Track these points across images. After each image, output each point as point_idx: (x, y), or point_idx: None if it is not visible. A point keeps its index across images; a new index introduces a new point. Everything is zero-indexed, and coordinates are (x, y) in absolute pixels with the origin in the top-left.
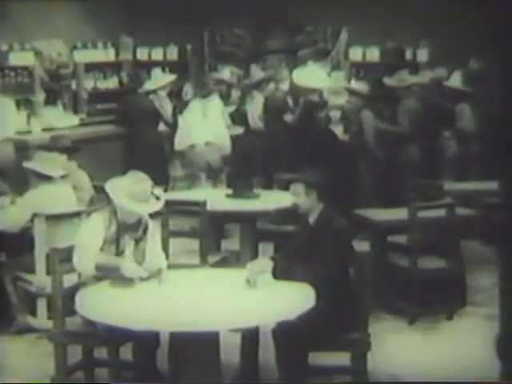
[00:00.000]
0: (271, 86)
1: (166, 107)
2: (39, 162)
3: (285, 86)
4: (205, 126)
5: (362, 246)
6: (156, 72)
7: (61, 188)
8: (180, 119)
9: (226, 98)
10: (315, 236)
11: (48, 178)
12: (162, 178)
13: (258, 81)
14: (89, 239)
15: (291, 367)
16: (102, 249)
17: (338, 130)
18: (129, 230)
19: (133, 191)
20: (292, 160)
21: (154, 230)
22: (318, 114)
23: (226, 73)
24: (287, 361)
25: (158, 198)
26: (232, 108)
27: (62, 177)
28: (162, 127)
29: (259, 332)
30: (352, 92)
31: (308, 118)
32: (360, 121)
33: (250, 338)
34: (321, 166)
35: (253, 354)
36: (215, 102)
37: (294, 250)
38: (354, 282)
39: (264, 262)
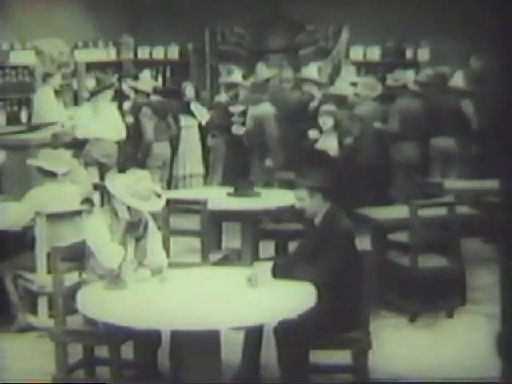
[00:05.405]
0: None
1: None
2: (44, 159)
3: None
4: (96, 123)
5: (362, 244)
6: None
7: (65, 186)
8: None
9: (234, 99)
10: (320, 236)
11: (53, 176)
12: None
13: (264, 79)
14: (100, 236)
15: (292, 366)
16: None
17: (332, 140)
18: (130, 228)
19: (135, 189)
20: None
21: (155, 227)
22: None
23: (238, 75)
24: (288, 359)
25: (159, 196)
26: (240, 109)
27: (64, 174)
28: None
29: (263, 331)
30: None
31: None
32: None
33: (253, 336)
34: (321, 168)
35: (254, 353)
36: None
37: (299, 249)
38: (354, 281)
39: (269, 263)
